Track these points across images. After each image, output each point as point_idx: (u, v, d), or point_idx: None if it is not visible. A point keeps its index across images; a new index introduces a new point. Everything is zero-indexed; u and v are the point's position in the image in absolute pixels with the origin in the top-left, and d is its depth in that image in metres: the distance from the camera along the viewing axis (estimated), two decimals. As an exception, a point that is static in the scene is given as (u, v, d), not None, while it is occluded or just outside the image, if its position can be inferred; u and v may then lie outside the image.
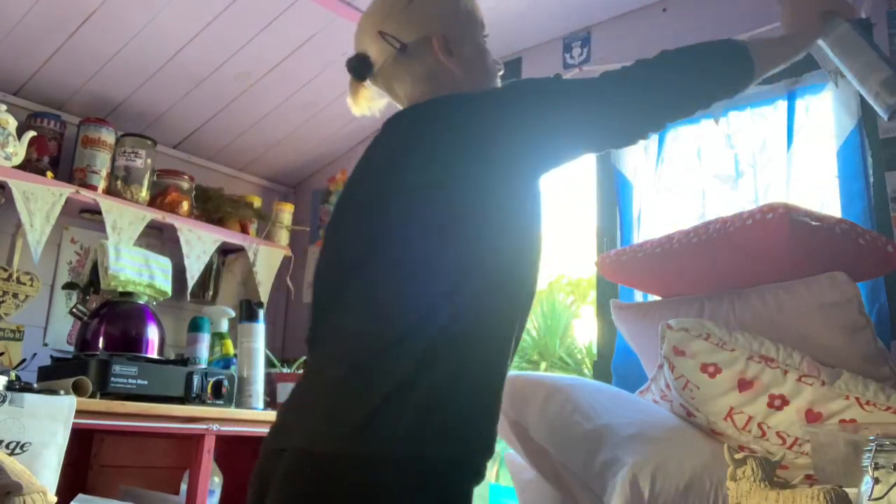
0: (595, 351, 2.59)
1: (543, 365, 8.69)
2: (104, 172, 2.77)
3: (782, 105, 2.25)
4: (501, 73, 1.34)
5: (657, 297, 2.02)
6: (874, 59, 1.30)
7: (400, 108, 1.30)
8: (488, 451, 1.06)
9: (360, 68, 1.29)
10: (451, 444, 1.00)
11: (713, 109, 2.25)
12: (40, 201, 2.55)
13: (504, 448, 1.78)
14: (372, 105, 1.33)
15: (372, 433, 0.96)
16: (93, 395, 2.19)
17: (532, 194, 1.12)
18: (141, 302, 2.68)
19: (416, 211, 1.08)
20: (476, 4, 1.33)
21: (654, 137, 2.51)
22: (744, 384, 1.43)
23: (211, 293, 3.23)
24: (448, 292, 1.03)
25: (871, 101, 1.36)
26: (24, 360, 2.41)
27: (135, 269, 2.67)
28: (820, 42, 1.33)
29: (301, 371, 1.25)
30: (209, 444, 2.35)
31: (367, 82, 1.31)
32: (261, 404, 2.75)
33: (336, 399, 1.02)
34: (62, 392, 2.01)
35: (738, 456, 1.18)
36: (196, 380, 2.46)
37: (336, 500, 0.95)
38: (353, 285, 1.10)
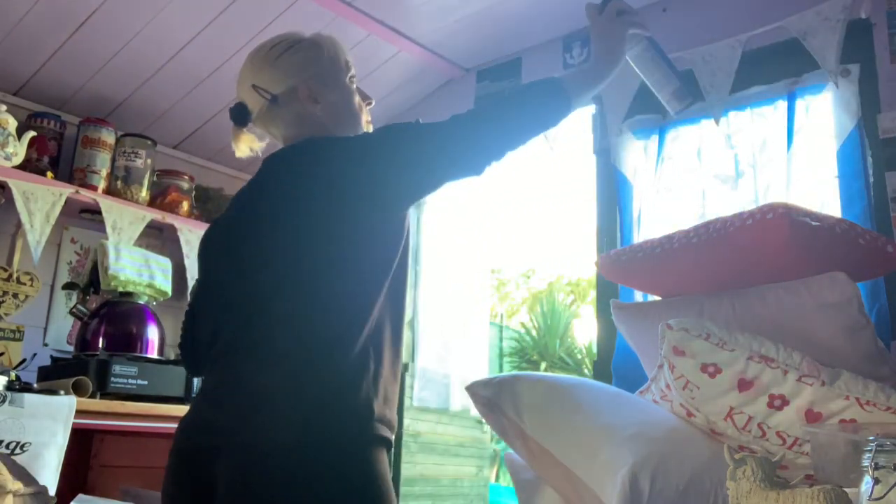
0: (595, 351, 2.59)
1: (543, 365, 8.70)
2: (104, 172, 2.77)
3: (782, 105, 2.25)
4: (371, 106, 1.53)
5: (657, 297, 2.02)
6: (666, 73, 1.62)
7: (280, 144, 1.46)
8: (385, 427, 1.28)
9: (239, 117, 1.46)
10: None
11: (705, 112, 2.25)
12: (40, 201, 2.55)
13: (504, 448, 1.78)
14: (253, 146, 1.52)
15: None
16: (93, 396, 2.19)
17: (401, 224, 1.34)
18: (141, 302, 2.68)
19: (306, 244, 1.27)
20: (339, 48, 1.49)
21: (654, 137, 2.51)
22: (744, 384, 1.43)
23: (211, 293, 3.22)
24: (358, 318, 1.25)
25: (665, 105, 1.64)
26: (24, 360, 2.40)
27: (135, 269, 2.67)
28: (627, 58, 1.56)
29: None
30: (209, 444, 2.34)
31: (248, 127, 1.49)
32: (261, 404, 2.75)
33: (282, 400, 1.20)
34: (62, 392, 2.02)
35: (738, 456, 1.17)
36: (196, 380, 2.46)
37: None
38: (274, 307, 1.26)
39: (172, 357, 2.84)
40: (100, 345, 2.49)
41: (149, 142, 2.90)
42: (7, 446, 1.81)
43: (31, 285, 2.60)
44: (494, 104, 1.37)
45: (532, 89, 1.37)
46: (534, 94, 1.36)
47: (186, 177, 3.05)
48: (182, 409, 2.37)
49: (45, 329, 2.78)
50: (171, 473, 1.33)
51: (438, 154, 1.29)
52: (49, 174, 2.65)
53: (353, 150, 1.31)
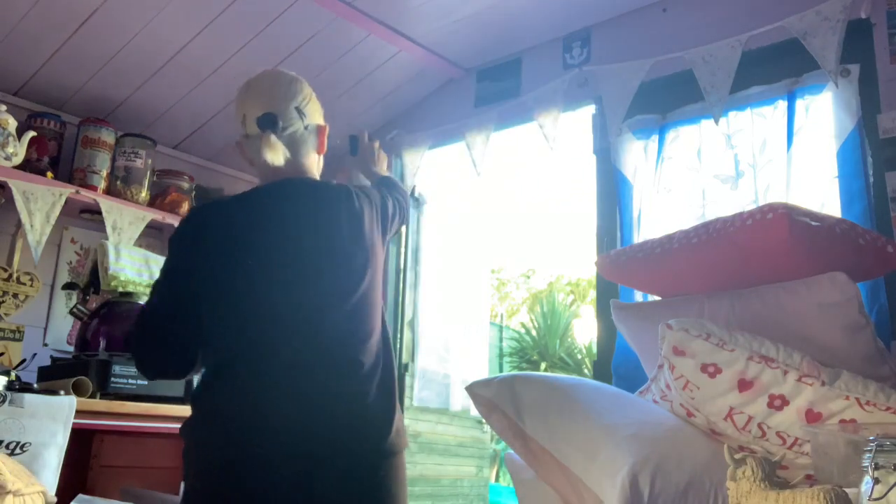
0: (595, 351, 2.59)
1: (543, 365, 8.70)
2: (104, 172, 2.77)
3: (782, 105, 2.25)
4: None
5: (657, 297, 2.02)
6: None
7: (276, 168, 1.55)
8: None
9: (274, 126, 1.56)
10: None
11: (715, 111, 2.25)
12: (40, 201, 2.55)
13: (504, 448, 1.78)
14: (286, 154, 1.58)
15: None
16: (93, 396, 2.19)
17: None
18: (141, 302, 2.68)
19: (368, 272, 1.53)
20: None
21: (655, 137, 2.51)
22: (744, 384, 1.43)
23: (211, 293, 3.22)
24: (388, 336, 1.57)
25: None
26: (24, 360, 2.40)
27: (135, 269, 2.67)
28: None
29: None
30: (209, 445, 2.34)
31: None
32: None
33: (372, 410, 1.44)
34: (62, 392, 2.02)
35: (738, 456, 1.17)
36: (196, 380, 2.46)
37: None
38: (361, 330, 1.47)
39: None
40: (100, 345, 2.49)
41: (149, 142, 2.90)
42: (7, 446, 1.81)
43: (31, 285, 2.60)
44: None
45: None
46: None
47: (186, 177, 3.05)
48: (182, 409, 2.37)
49: (45, 329, 2.78)
50: (253, 479, 1.32)
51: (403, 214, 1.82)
52: (49, 174, 2.65)
53: (375, 198, 1.66)
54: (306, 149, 1.61)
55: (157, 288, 1.52)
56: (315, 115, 1.65)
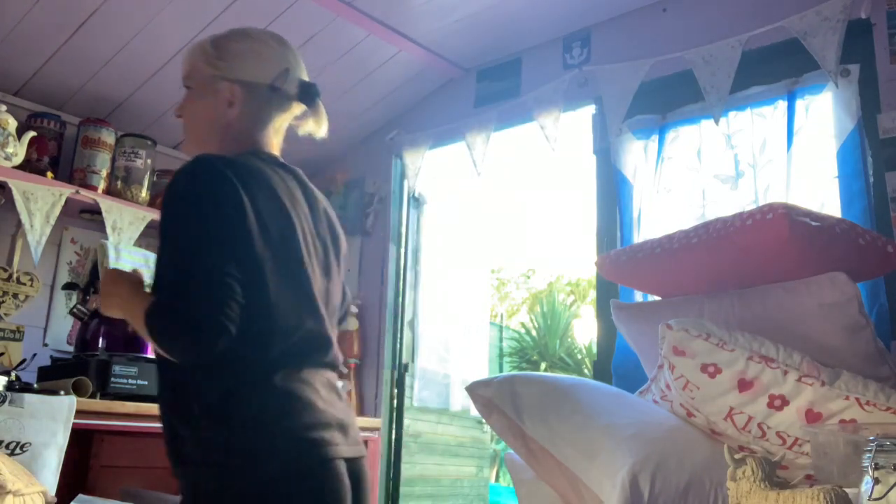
0: (595, 351, 2.59)
1: (543, 365, 8.70)
2: (104, 173, 2.77)
3: (782, 105, 2.26)
4: None
5: (657, 297, 2.02)
6: None
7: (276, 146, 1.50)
8: None
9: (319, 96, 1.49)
10: None
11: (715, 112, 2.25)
12: (40, 201, 2.55)
13: (504, 448, 1.78)
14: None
15: None
16: (93, 396, 2.19)
17: None
18: (141, 302, 2.68)
19: None
20: None
21: (655, 137, 2.51)
22: (744, 384, 1.43)
23: (211, 293, 3.22)
24: None
25: None
26: (24, 361, 2.40)
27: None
28: None
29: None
30: (209, 445, 2.34)
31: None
32: (261, 404, 2.75)
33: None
34: (62, 392, 2.01)
35: (738, 456, 1.18)
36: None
37: None
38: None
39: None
40: (100, 345, 2.49)
41: (149, 142, 2.90)
42: (7, 446, 1.81)
43: (31, 285, 2.60)
44: None
45: None
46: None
47: (186, 177, 3.04)
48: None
49: (45, 329, 2.78)
50: (334, 480, 1.23)
51: None
52: (49, 174, 2.65)
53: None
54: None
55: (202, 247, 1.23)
56: None
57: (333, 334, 1.37)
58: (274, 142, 1.46)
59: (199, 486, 1.24)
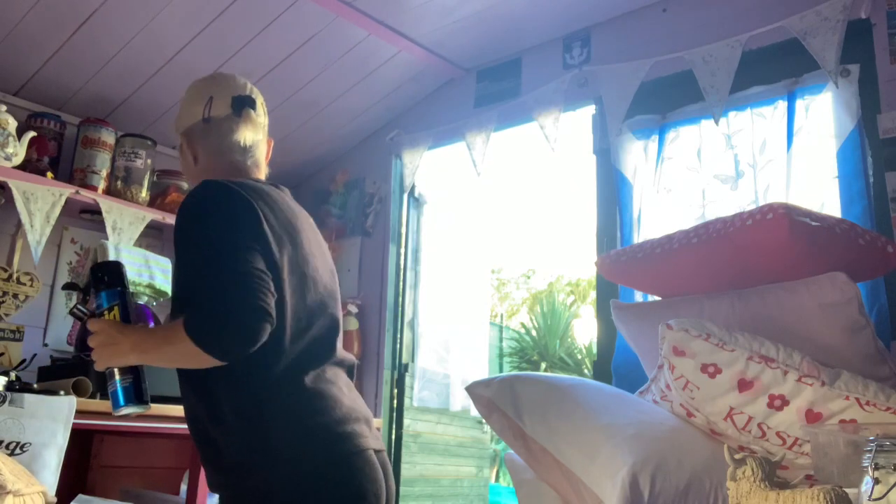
0: (595, 351, 2.59)
1: (543, 365, 8.70)
2: (104, 173, 2.77)
3: (782, 105, 2.26)
4: None
5: (657, 297, 2.02)
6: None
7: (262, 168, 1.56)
8: None
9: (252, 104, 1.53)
10: None
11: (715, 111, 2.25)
12: (40, 201, 2.55)
13: (504, 448, 1.78)
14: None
15: None
16: (93, 396, 2.19)
17: None
18: (141, 302, 2.68)
19: None
20: None
21: (655, 137, 2.51)
22: (744, 384, 1.43)
23: (211, 293, 3.22)
24: None
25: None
26: (24, 361, 2.40)
27: (135, 269, 2.66)
28: None
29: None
30: (209, 445, 2.34)
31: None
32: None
33: None
34: (62, 392, 2.01)
35: (738, 456, 1.18)
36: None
37: None
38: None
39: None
40: (100, 345, 2.49)
41: (149, 142, 2.90)
42: (7, 446, 1.81)
43: (31, 285, 2.59)
44: None
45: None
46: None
47: (186, 177, 3.04)
48: (182, 409, 2.36)
49: (45, 329, 2.78)
50: (372, 468, 1.34)
51: None
52: (49, 174, 2.65)
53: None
54: (264, 157, 1.56)
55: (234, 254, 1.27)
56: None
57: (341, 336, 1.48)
58: (249, 163, 1.51)
59: (243, 486, 1.30)
